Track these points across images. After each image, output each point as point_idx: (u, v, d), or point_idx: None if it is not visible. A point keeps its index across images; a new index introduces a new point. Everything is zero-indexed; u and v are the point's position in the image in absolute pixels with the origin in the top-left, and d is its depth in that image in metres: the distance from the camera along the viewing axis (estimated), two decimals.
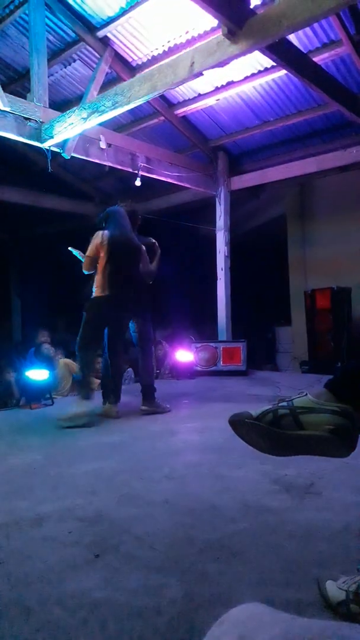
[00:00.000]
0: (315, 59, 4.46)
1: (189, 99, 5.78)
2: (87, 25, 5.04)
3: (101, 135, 5.24)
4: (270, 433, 1.07)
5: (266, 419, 1.08)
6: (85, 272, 4.01)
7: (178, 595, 1.37)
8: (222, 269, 6.58)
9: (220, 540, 1.69)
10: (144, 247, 4.06)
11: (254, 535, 1.72)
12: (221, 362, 6.03)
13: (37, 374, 4.44)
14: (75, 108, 4.42)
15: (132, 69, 5.43)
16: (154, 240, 4.25)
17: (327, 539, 1.66)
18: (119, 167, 5.66)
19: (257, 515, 1.89)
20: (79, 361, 4.13)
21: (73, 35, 5.19)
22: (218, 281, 6.61)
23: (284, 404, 1.10)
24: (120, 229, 3.97)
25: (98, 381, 5.93)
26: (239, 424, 1.11)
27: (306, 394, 1.10)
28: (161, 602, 1.34)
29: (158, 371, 6.11)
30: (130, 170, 5.71)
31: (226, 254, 6.60)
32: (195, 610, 1.30)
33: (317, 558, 1.53)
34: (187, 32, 4.79)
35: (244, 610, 0.53)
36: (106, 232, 3.94)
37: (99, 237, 3.94)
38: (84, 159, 5.33)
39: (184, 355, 5.88)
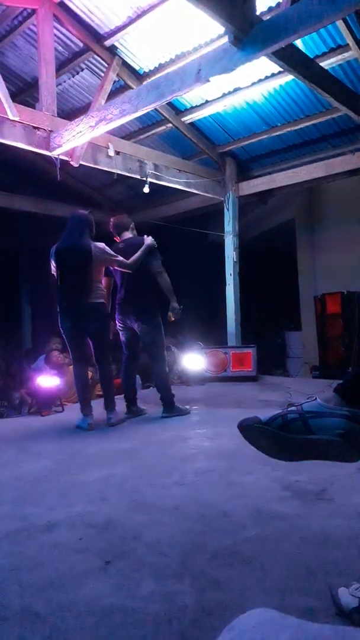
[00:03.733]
0: (322, 64, 4.46)
1: (197, 106, 5.80)
2: (95, 35, 5.08)
3: (109, 143, 5.27)
4: (280, 437, 1.07)
5: (275, 423, 1.08)
6: None
7: (189, 601, 1.37)
8: (231, 274, 6.57)
9: (232, 547, 1.68)
10: (98, 248, 3.89)
11: (266, 541, 1.71)
12: (231, 368, 6.00)
13: (48, 381, 4.45)
14: (83, 116, 4.46)
15: (139, 77, 5.47)
16: (143, 236, 4.19)
17: (340, 545, 1.64)
18: (127, 174, 5.68)
19: (268, 521, 1.88)
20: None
21: (81, 45, 5.24)
22: (227, 286, 6.60)
23: (294, 408, 1.09)
24: (65, 237, 3.96)
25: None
26: (248, 428, 1.11)
27: (316, 399, 1.10)
28: (172, 608, 1.34)
29: None
30: (139, 177, 5.74)
31: (235, 259, 6.58)
32: (207, 617, 1.29)
33: (329, 564, 1.52)
34: (193, 40, 4.82)
35: (254, 615, 0.53)
36: (54, 246, 3.96)
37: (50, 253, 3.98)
38: (92, 167, 5.37)
39: (193, 361, 5.87)
